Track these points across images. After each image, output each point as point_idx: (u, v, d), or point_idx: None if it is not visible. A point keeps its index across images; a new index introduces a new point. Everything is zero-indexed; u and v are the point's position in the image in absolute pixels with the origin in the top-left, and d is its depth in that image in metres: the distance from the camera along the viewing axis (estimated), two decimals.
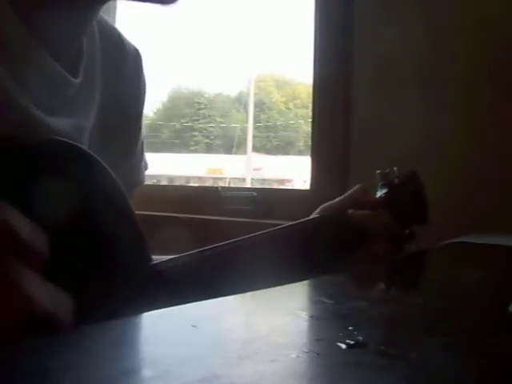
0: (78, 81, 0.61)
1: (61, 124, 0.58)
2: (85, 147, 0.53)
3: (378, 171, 0.76)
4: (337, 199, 0.75)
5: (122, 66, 0.72)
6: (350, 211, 0.69)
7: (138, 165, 0.76)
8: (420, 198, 0.74)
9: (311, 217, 0.71)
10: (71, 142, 0.51)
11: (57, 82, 0.58)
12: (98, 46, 0.67)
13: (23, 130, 0.54)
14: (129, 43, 0.74)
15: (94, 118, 0.65)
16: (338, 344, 0.30)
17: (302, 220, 0.69)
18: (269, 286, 0.46)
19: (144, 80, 0.76)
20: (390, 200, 0.73)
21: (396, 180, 0.75)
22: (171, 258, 0.57)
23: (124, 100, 0.71)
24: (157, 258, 0.58)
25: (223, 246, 0.60)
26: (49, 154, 0.50)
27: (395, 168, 0.76)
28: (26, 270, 0.33)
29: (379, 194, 0.75)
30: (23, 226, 0.34)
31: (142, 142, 0.77)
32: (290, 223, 0.67)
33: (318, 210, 0.74)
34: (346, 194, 0.75)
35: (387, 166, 0.77)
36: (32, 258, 0.34)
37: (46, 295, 0.34)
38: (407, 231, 0.73)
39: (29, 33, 0.54)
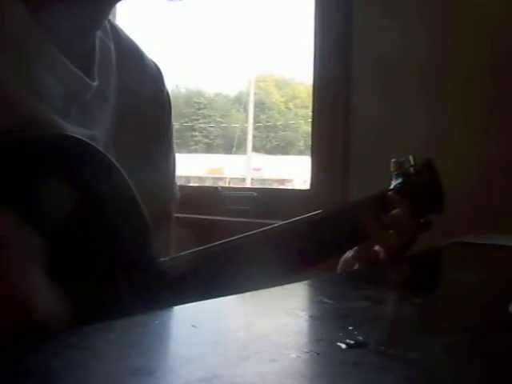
0: (95, 84, 0.59)
1: (74, 129, 0.56)
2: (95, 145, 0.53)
3: (394, 160, 0.75)
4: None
5: (141, 73, 0.69)
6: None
7: (160, 179, 0.71)
8: (436, 187, 0.73)
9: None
10: (81, 138, 0.51)
11: (72, 84, 0.56)
12: (114, 53, 0.64)
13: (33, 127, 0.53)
14: (147, 56, 0.71)
15: (109, 123, 0.62)
16: (338, 344, 0.30)
17: (303, 216, 0.69)
18: (269, 286, 0.46)
19: (168, 96, 0.73)
20: (405, 190, 0.71)
21: (411, 169, 0.74)
22: (174, 256, 0.58)
23: (142, 108, 0.68)
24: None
25: (226, 244, 0.60)
26: (59, 148, 0.50)
27: (410, 156, 0.74)
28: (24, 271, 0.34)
29: (394, 183, 0.74)
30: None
31: (173, 164, 0.73)
32: (292, 219, 0.67)
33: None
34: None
35: (401, 155, 0.75)
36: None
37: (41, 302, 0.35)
38: (422, 220, 0.72)
39: (40, 30, 0.53)
